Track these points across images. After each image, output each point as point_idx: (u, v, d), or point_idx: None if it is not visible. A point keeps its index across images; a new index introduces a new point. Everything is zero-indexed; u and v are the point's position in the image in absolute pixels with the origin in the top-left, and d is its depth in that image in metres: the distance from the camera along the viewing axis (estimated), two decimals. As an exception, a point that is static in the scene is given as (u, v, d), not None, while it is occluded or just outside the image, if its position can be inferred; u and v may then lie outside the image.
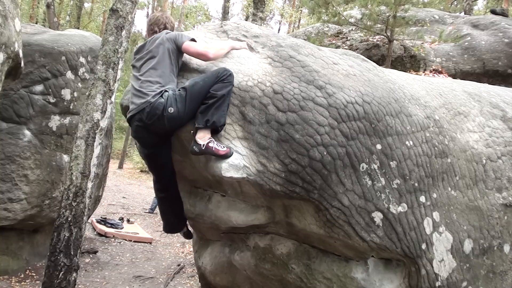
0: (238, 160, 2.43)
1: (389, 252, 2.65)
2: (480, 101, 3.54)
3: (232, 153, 2.44)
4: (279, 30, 27.74)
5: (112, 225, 8.75)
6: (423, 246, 2.69)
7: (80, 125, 5.05)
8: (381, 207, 2.58)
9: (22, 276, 5.99)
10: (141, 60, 2.72)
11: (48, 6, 15.12)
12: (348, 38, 8.18)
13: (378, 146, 2.62)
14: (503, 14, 8.24)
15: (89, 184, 5.03)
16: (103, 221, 8.89)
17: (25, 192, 5.76)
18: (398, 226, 2.62)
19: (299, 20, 25.82)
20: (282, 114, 2.50)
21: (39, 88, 5.89)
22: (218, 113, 2.45)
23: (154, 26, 2.94)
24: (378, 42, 7.70)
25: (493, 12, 8.54)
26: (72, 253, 4.84)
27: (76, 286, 5.09)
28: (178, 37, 2.67)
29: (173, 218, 3.08)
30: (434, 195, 2.79)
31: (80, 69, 6.35)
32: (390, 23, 6.98)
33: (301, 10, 23.37)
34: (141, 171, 18.81)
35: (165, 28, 2.94)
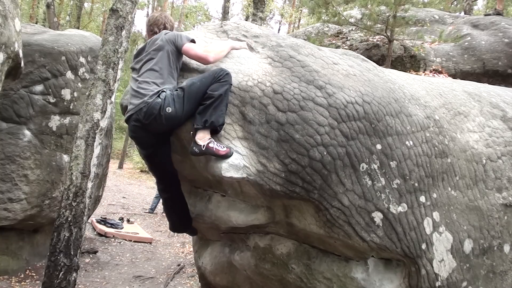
0: (238, 160, 2.43)
1: (389, 252, 2.65)
2: (480, 101, 3.54)
3: (232, 153, 2.44)
4: (279, 30, 27.75)
5: (112, 225, 8.75)
6: (423, 246, 2.70)
7: (80, 125, 5.05)
8: (381, 207, 2.58)
9: (22, 276, 5.99)
10: (140, 62, 2.72)
11: (48, 6, 15.12)
12: (348, 38, 8.18)
13: (378, 146, 2.62)
14: (499, 14, 8.23)
15: (89, 184, 5.03)
16: (103, 221, 8.89)
17: (25, 192, 5.76)
18: (398, 226, 2.62)
19: (299, 20, 25.82)
20: (282, 114, 2.50)
21: (39, 88, 5.89)
22: (217, 113, 2.45)
23: (154, 27, 2.93)
24: (378, 42, 7.70)
25: (488, 15, 8.54)
26: (72, 253, 4.84)
27: (76, 286, 5.09)
28: (178, 39, 2.66)
29: (176, 218, 3.08)
30: (434, 195, 2.79)
31: (80, 69, 6.35)
32: (390, 23, 6.97)
33: (301, 10, 23.36)
34: (141, 171, 18.80)
35: (165, 28, 2.93)
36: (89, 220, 7.97)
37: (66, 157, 6.16)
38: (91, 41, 6.72)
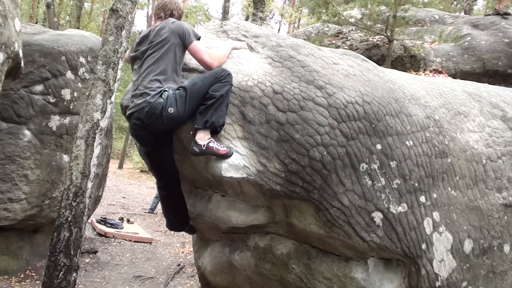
0: (238, 160, 2.43)
1: (389, 252, 2.65)
2: (480, 101, 3.54)
3: (232, 153, 2.44)
4: (279, 30, 27.74)
5: (112, 225, 8.75)
6: (423, 246, 2.69)
7: (80, 125, 5.05)
8: (381, 207, 2.58)
9: (22, 276, 5.99)
10: (143, 53, 2.64)
11: (48, 6, 15.11)
12: (348, 38, 8.18)
13: (378, 146, 2.62)
14: (498, 14, 8.23)
15: (89, 184, 5.03)
16: (103, 221, 8.88)
17: (25, 192, 5.76)
18: (398, 226, 2.62)
19: (299, 20, 25.81)
20: (282, 114, 2.50)
21: (39, 88, 5.89)
22: (217, 113, 2.44)
23: (160, 11, 2.81)
24: (378, 42, 7.70)
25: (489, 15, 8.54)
26: (72, 253, 4.84)
27: (76, 286, 5.09)
28: (186, 35, 2.59)
29: (174, 217, 3.07)
30: (434, 195, 2.79)
31: (80, 69, 6.35)
32: (390, 23, 6.97)
33: (301, 10, 23.35)
34: (141, 171, 18.80)
35: (172, 15, 2.81)
36: (89, 220, 7.97)
37: (66, 157, 6.16)
38: (91, 41, 6.72)
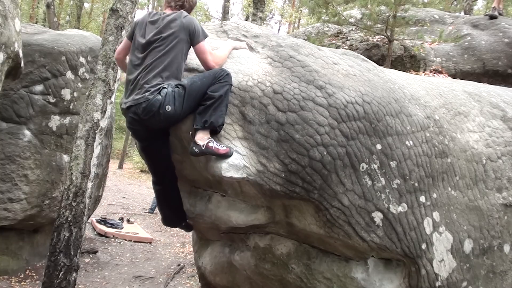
0: (238, 160, 2.43)
1: (389, 252, 2.65)
2: (480, 101, 3.54)
3: (232, 153, 2.44)
4: (279, 30, 27.73)
5: (112, 225, 8.75)
6: (423, 246, 2.69)
7: (80, 125, 5.06)
8: (381, 207, 2.58)
9: (22, 276, 5.99)
10: (149, 44, 2.56)
11: (48, 6, 15.13)
12: (348, 38, 8.17)
13: (378, 146, 2.62)
14: (499, 14, 8.22)
15: (89, 184, 5.04)
16: (103, 221, 8.89)
17: (25, 192, 5.77)
18: (398, 226, 2.62)
19: (299, 20, 25.80)
20: (282, 114, 2.50)
21: (39, 88, 5.89)
22: (216, 113, 2.44)
23: (171, 0, 2.77)
24: (378, 42, 7.69)
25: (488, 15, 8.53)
26: (72, 253, 4.84)
27: (76, 286, 5.09)
28: (196, 33, 2.57)
29: (168, 212, 3.06)
30: (434, 195, 2.79)
31: (80, 69, 6.35)
32: (390, 23, 6.97)
33: (301, 10, 23.34)
34: (141, 171, 18.81)
35: (182, 6, 2.76)
36: (89, 220, 7.97)
37: (66, 157, 6.16)
38: (91, 41, 6.73)
